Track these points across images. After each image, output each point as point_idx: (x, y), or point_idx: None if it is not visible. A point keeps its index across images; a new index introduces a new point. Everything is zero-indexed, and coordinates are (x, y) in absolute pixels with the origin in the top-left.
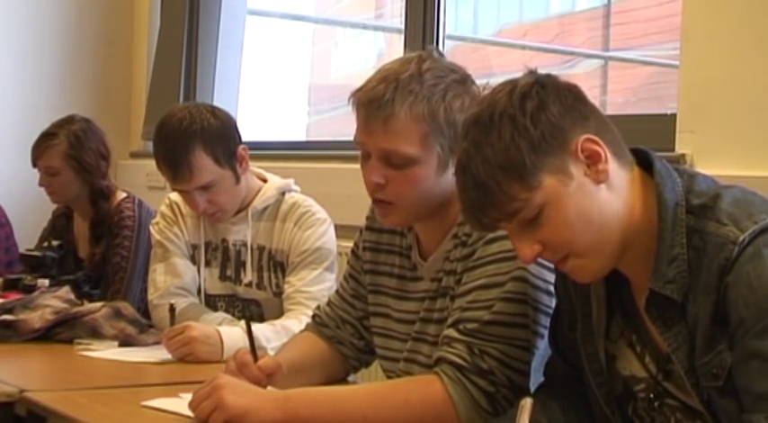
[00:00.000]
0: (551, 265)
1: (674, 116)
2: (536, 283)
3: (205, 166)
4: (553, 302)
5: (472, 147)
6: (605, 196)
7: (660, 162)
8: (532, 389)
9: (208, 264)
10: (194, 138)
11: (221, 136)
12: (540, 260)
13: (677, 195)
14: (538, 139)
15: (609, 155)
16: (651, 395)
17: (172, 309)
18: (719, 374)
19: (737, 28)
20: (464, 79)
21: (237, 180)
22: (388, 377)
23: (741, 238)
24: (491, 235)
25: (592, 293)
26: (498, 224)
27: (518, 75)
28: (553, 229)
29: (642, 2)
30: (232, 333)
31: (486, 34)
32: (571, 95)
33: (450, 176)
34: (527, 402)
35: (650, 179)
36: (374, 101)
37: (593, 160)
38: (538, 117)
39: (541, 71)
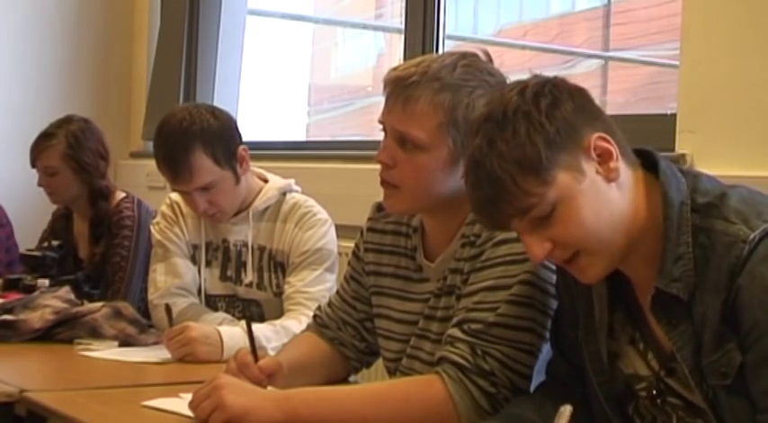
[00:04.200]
0: None
1: (673, 116)
2: (544, 287)
3: (205, 167)
4: None
5: (485, 143)
6: (615, 195)
7: (665, 162)
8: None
9: (208, 264)
10: (194, 139)
11: (221, 137)
12: (549, 264)
13: (682, 194)
14: (553, 135)
15: (618, 154)
16: (654, 392)
17: (168, 309)
18: (728, 373)
19: (737, 28)
20: (499, 84)
21: (237, 180)
22: (391, 378)
23: (752, 237)
24: (500, 237)
25: (593, 292)
26: (510, 221)
27: (520, 74)
28: (565, 226)
29: (642, 2)
30: (232, 333)
31: (486, 34)
32: (581, 96)
33: (459, 174)
34: (566, 409)
35: (655, 179)
36: (401, 80)
37: (604, 158)
38: (552, 114)
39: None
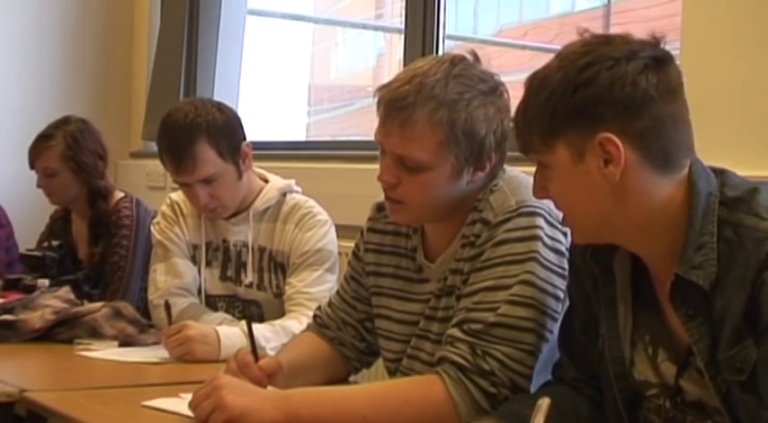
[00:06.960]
0: (560, 271)
1: None
2: (544, 287)
3: (208, 159)
4: (560, 307)
5: (560, 74)
6: (606, 193)
7: (694, 157)
8: (533, 391)
9: (208, 264)
10: (199, 130)
11: (226, 130)
12: (549, 264)
13: (711, 187)
14: (574, 107)
15: (634, 162)
16: (665, 397)
17: (167, 306)
18: (744, 369)
19: (738, 28)
20: (492, 89)
21: (239, 176)
22: (391, 378)
23: None
24: (500, 237)
25: (618, 296)
26: (526, 144)
27: (520, 74)
28: (554, 189)
29: (642, 2)
30: (230, 333)
31: (486, 34)
32: (650, 85)
33: (463, 183)
34: (544, 402)
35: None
36: (396, 101)
37: (608, 159)
38: (585, 87)
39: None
